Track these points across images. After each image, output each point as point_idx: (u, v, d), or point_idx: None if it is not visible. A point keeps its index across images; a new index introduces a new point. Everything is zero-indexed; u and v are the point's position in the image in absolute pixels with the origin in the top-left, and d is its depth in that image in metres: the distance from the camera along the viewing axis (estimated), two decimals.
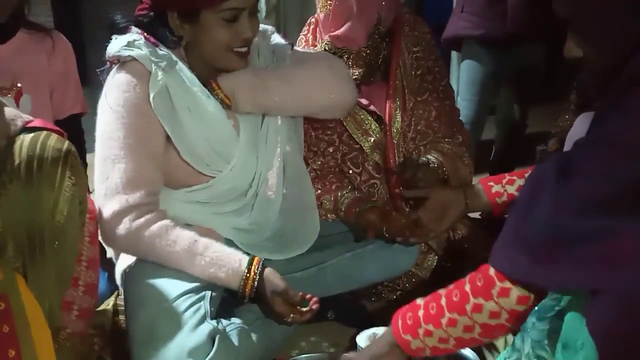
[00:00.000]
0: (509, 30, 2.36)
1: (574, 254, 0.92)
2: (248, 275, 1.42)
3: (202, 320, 1.39)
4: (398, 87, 1.81)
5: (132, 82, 1.46)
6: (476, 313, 1.07)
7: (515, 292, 1.03)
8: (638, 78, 0.92)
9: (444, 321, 1.12)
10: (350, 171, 1.82)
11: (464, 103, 2.25)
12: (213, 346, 1.35)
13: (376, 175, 1.82)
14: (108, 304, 1.67)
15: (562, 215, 0.94)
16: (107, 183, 1.43)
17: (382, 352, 1.22)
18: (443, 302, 1.13)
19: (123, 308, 1.54)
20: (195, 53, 1.52)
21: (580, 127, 1.50)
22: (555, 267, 0.94)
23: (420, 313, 1.16)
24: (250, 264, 1.43)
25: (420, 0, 3.71)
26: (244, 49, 1.50)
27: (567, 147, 1.50)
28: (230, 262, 1.43)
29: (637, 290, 0.86)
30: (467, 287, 1.10)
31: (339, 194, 1.75)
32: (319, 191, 1.78)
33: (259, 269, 1.42)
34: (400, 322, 1.18)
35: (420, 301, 1.18)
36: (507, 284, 1.04)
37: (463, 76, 2.47)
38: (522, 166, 2.50)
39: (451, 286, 1.15)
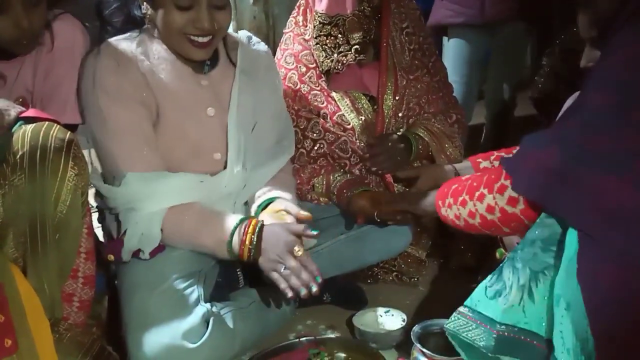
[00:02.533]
0: (488, 16, 2.40)
1: (580, 182, 0.96)
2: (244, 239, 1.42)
3: (196, 303, 1.41)
4: (389, 66, 1.83)
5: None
6: (478, 202, 1.15)
7: (509, 192, 1.08)
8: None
9: (459, 199, 1.21)
10: (340, 157, 1.83)
11: (452, 84, 2.27)
12: (207, 328, 1.37)
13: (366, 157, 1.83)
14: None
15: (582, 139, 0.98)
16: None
17: (426, 201, 1.40)
18: (467, 182, 1.22)
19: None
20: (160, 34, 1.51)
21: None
22: (559, 190, 0.99)
23: (454, 186, 1.26)
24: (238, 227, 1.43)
25: None
26: (202, 39, 1.46)
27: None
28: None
29: (630, 248, 0.90)
30: (484, 177, 1.17)
31: (331, 177, 1.77)
32: (311, 174, 1.79)
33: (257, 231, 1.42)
34: (444, 187, 1.31)
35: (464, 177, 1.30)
36: (507, 182, 1.09)
37: (450, 57, 2.50)
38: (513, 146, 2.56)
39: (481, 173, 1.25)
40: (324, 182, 1.77)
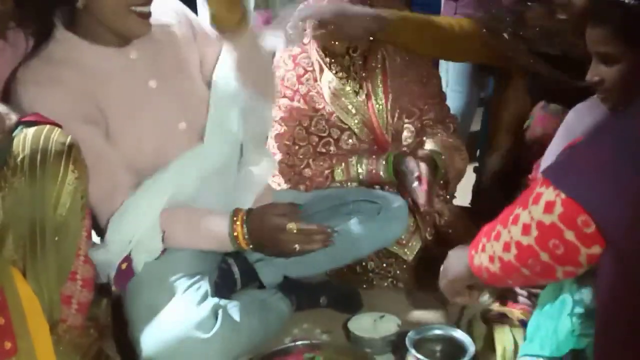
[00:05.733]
0: None
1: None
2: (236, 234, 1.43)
3: (205, 297, 1.42)
4: (378, 67, 1.87)
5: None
6: (513, 225, 0.98)
7: (546, 196, 0.93)
8: None
9: (493, 234, 1.04)
10: (345, 150, 1.87)
11: (453, 94, 2.28)
12: (216, 321, 1.37)
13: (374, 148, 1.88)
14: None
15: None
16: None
17: (458, 267, 1.17)
18: (500, 215, 1.05)
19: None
20: (91, 18, 1.40)
21: (574, 118, 1.54)
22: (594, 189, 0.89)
23: (485, 228, 1.09)
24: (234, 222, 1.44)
25: None
26: (146, 9, 1.40)
27: (560, 136, 1.54)
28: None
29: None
30: (519, 198, 1.02)
31: (349, 161, 1.83)
32: (321, 168, 1.85)
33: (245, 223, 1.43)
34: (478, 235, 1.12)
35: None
36: (543, 188, 0.94)
37: (452, 68, 2.49)
38: None
39: None
40: (343, 167, 1.83)
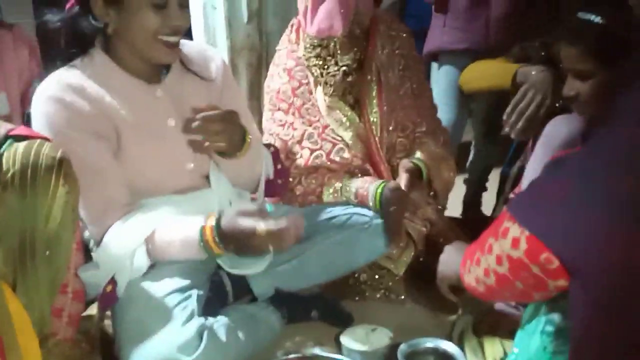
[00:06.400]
0: (492, 42, 2.42)
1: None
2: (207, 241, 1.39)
3: (190, 317, 1.41)
4: (373, 80, 1.87)
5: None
6: (489, 254, 1.04)
7: (512, 232, 0.99)
8: None
9: (475, 258, 1.10)
10: (337, 167, 1.86)
11: (443, 107, 2.28)
12: (201, 342, 1.37)
13: (365, 159, 1.88)
14: (92, 310, 1.67)
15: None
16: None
17: (447, 268, 1.28)
18: (481, 237, 1.11)
19: (109, 313, 1.54)
20: (122, 43, 1.46)
21: (552, 131, 1.56)
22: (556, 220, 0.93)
23: (471, 246, 1.15)
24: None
25: (402, 8, 3.80)
26: (173, 39, 1.44)
27: (539, 149, 1.56)
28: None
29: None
30: (492, 225, 1.07)
31: (336, 185, 1.82)
32: (312, 186, 1.84)
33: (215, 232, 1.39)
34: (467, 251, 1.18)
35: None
36: (509, 224, 0.99)
37: (442, 81, 2.50)
38: (500, 165, 2.59)
39: None
40: (332, 190, 1.82)
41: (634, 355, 0.90)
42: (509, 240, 0.98)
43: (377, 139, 1.87)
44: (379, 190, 1.75)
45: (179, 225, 1.44)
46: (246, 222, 1.35)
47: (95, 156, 1.40)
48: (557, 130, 1.52)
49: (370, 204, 1.76)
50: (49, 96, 1.41)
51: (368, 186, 1.78)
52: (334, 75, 1.82)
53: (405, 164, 1.80)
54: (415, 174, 1.79)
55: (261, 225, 1.32)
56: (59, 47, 1.48)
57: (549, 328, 1.07)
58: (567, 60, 1.42)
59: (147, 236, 1.43)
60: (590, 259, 0.89)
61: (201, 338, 1.38)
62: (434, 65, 2.64)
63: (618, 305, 0.89)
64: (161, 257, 1.46)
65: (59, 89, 1.41)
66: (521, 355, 1.12)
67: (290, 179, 1.85)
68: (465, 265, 1.15)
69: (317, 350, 1.62)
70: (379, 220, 1.71)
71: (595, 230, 0.89)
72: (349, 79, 1.84)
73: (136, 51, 1.46)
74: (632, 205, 0.88)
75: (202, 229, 1.40)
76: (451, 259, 1.24)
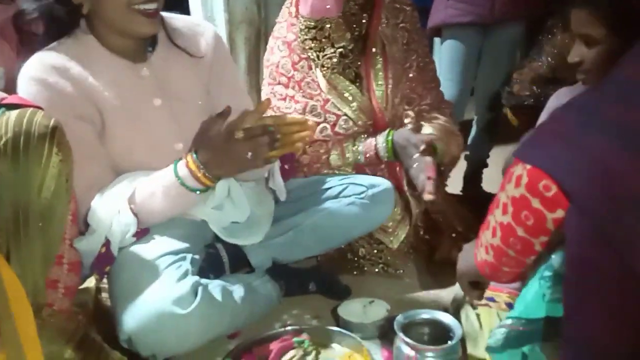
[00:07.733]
0: (496, 14, 2.40)
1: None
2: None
3: (184, 275, 1.40)
4: (378, 53, 1.85)
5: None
6: (496, 209, 1.04)
7: (516, 171, 0.99)
8: None
9: (484, 226, 1.10)
10: (343, 135, 1.86)
11: (446, 83, 2.27)
12: (196, 298, 1.36)
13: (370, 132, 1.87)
14: (90, 282, 1.67)
15: None
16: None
17: (465, 263, 1.26)
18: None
19: (105, 286, 1.54)
20: (101, 22, 1.43)
21: (555, 101, 1.55)
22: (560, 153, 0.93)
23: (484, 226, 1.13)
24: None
25: None
26: (150, 6, 1.39)
27: (547, 113, 1.55)
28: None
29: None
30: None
31: (344, 145, 1.82)
32: (318, 153, 1.85)
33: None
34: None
35: None
36: (514, 168, 0.99)
37: (445, 57, 2.48)
38: (501, 144, 2.58)
39: None
40: (339, 152, 1.84)
41: (627, 282, 0.90)
42: (513, 181, 0.99)
43: (383, 110, 1.85)
44: (389, 138, 1.78)
45: (155, 175, 1.44)
46: (214, 130, 1.37)
47: (78, 137, 1.35)
48: (561, 101, 1.50)
49: (383, 154, 1.79)
50: (31, 77, 1.38)
51: (376, 138, 1.80)
52: (330, 58, 1.80)
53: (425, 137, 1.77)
54: (430, 149, 1.76)
55: (239, 132, 1.33)
56: (40, 32, 1.45)
57: (547, 273, 1.08)
58: (577, 23, 1.40)
59: (129, 196, 1.42)
60: (587, 183, 0.90)
61: (196, 294, 1.37)
62: (437, 41, 2.61)
63: (612, 227, 0.89)
64: (149, 214, 1.44)
65: (41, 69, 1.39)
66: (519, 303, 1.11)
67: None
68: (478, 242, 1.15)
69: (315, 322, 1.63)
70: (376, 190, 1.71)
71: (591, 154, 0.90)
72: (347, 60, 1.82)
73: (115, 27, 1.43)
74: (630, 133, 0.89)
75: (177, 166, 1.39)
76: (470, 256, 1.22)
